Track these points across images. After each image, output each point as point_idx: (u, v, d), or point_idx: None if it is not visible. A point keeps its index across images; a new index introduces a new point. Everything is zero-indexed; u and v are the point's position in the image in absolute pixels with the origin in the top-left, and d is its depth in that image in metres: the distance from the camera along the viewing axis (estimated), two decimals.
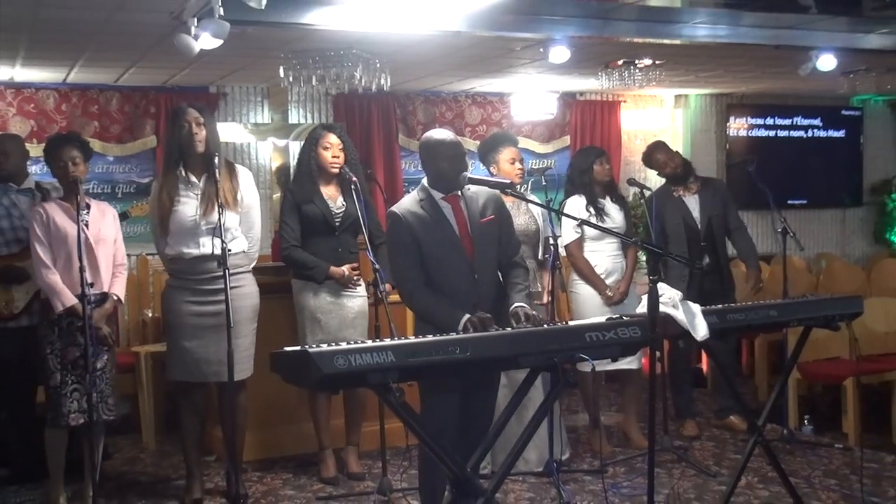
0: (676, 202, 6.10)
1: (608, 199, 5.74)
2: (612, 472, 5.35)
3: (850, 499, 4.82)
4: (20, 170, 5.30)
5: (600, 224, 5.45)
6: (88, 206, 4.73)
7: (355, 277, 5.13)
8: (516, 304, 3.90)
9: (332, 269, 5.06)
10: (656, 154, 6.23)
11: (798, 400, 6.18)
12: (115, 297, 4.77)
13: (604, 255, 5.67)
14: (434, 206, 4.00)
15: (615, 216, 5.70)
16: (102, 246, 4.70)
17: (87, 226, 4.63)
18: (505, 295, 4.03)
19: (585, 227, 5.46)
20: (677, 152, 6.39)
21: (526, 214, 5.35)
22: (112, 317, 4.86)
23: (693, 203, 6.10)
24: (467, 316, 3.77)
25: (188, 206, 4.68)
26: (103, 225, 4.75)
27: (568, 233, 5.63)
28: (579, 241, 5.65)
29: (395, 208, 4.03)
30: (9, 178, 5.23)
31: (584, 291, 5.66)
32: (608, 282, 5.62)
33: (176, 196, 4.68)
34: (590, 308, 5.53)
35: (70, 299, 4.57)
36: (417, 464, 4.24)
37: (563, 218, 5.53)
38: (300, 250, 5.11)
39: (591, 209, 5.63)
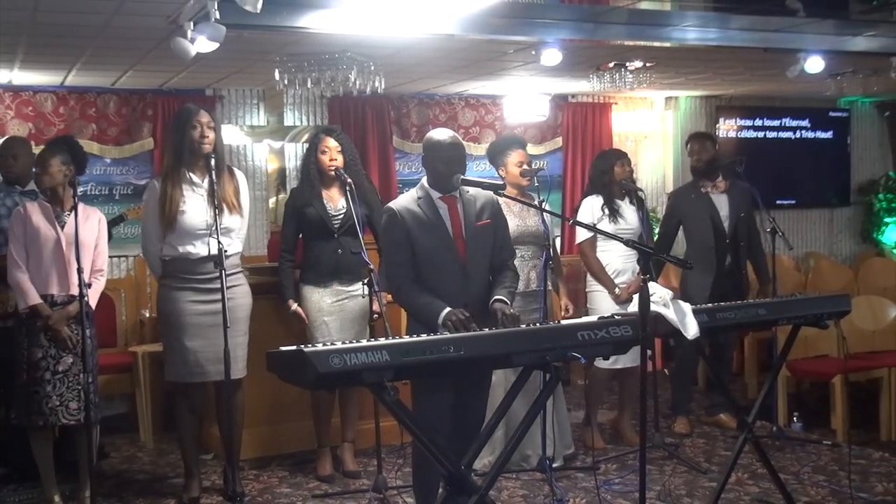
0: (704, 199, 6.14)
1: (626, 199, 5.82)
2: (605, 469, 5.41)
3: (838, 494, 4.88)
4: (27, 172, 5.38)
5: (613, 224, 5.58)
6: (73, 209, 4.67)
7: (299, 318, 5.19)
8: (496, 298, 3.93)
9: (290, 301, 5.19)
10: (692, 142, 6.33)
11: (787, 397, 6.25)
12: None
13: (615, 255, 5.73)
14: (431, 205, 4.03)
15: (629, 217, 5.76)
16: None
17: (62, 227, 4.65)
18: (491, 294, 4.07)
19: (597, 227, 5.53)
20: (713, 146, 6.34)
21: (536, 215, 5.39)
22: (86, 321, 4.71)
23: (722, 202, 6.14)
24: (447, 310, 3.80)
25: (196, 206, 4.70)
26: (82, 228, 4.66)
27: (581, 232, 5.72)
28: (592, 241, 5.73)
29: (392, 204, 4.07)
30: (16, 180, 5.36)
31: (599, 293, 5.74)
32: (618, 281, 5.69)
33: (182, 197, 4.73)
34: (605, 307, 5.59)
35: (33, 298, 4.59)
36: (411, 462, 4.28)
37: (579, 217, 5.70)
38: (286, 265, 5.24)
39: (606, 209, 5.71)
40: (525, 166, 5.40)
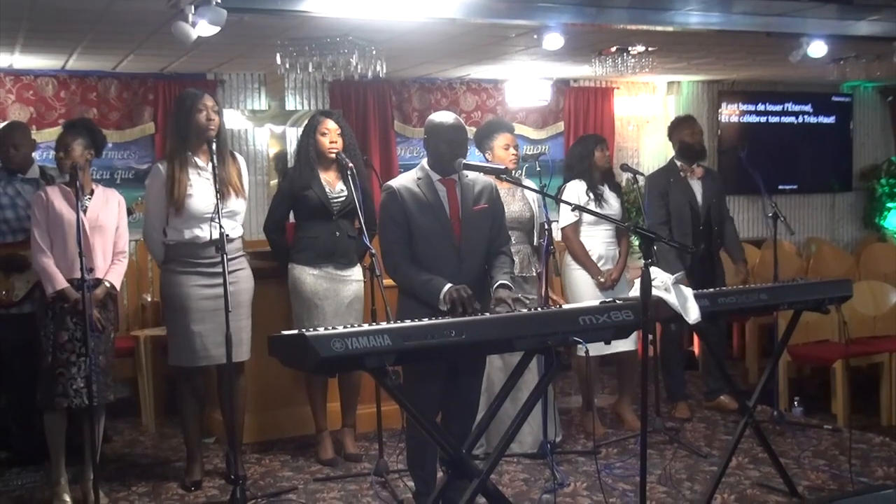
0: (683, 183, 6.13)
1: (606, 186, 5.82)
2: (606, 454, 5.42)
3: (838, 479, 4.89)
4: (28, 160, 5.38)
5: (598, 210, 5.52)
6: (92, 192, 4.73)
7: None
8: (499, 283, 3.95)
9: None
10: (689, 123, 6.27)
11: (788, 382, 6.25)
12: (108, 284, 4.74)
13: (598, 241, 5.74)
14: (430, 186, 4.05)
15: (612, 203, 5.76)
16: (99, 232, 4.70)
17: (84, 211, 4.64)
18: (489, 279, 4.06)
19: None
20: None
21: (521, 201, 5.39)
22: (109, 303, 4.82)
23: (697, 187, 6.15)
24: (448, 286, 3.82)
25: (204, 190, 4.71)
26: (104, 211, 4.75)
27: (566, 215, 5.71)
28: (576, 225, 5.73)
29: (392, 182, 4.10)
30: (18, 168, 5.33)
31: (577, 275, 5.73)
32: (601, 267, 5.69)
33: (189, 181, 4.73)
34: (583, 290, 5.62)
35: (60, 283, 4.59)
36: (405, 448, 4.29)
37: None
38: (278, 233, 5.26)
39: (591, 194, 5.71)
40: (511, 150, 5.38)
